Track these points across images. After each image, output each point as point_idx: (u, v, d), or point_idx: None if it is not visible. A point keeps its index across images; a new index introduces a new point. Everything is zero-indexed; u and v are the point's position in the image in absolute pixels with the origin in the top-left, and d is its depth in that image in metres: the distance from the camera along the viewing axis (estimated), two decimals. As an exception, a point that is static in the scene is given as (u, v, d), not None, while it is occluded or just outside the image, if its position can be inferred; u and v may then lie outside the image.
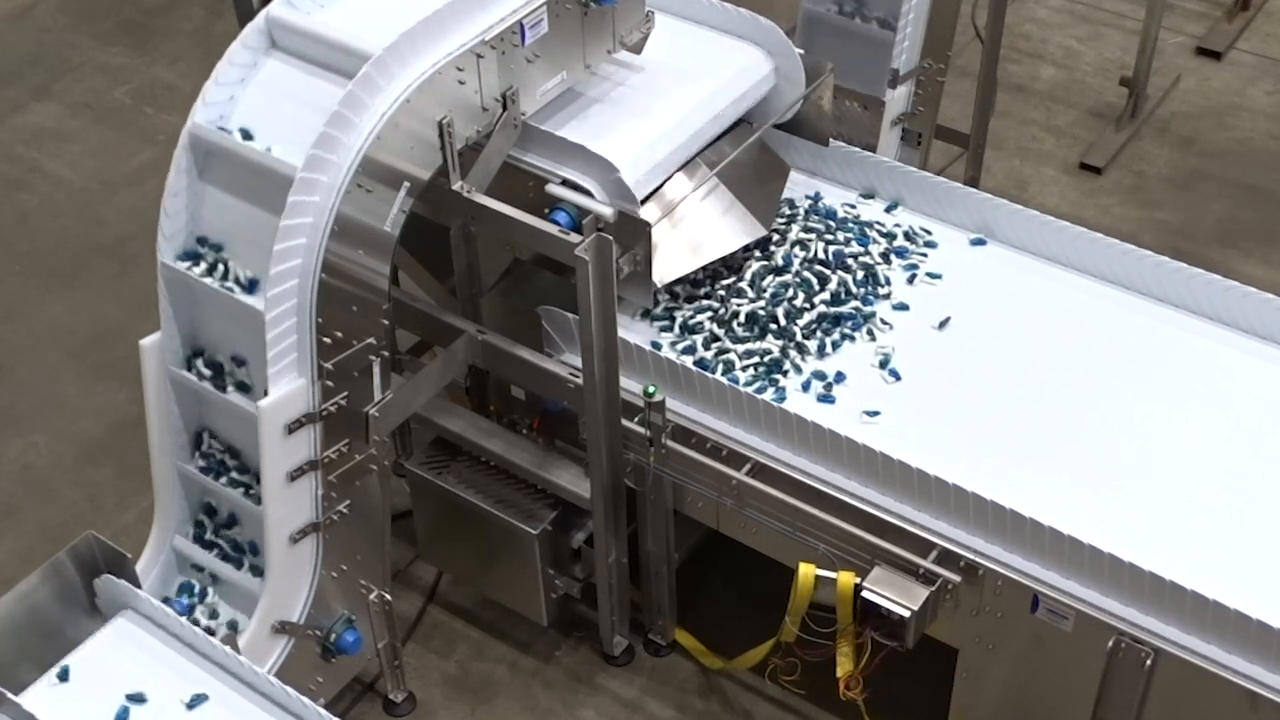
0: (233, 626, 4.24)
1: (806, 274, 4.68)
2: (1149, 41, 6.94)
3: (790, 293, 4.61)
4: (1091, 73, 7.61)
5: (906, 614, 3.97)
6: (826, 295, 4.63)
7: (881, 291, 4.71)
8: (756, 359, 4.49)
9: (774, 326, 4.54)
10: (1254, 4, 7.98)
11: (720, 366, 4.47)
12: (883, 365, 4.49)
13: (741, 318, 4.56)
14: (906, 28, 5.19)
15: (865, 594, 4.03)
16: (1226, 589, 3.74)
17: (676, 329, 4.60)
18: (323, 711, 3.61)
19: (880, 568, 4.08)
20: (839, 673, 4.16)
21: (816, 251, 4.74)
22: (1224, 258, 6.43)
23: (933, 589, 4.01)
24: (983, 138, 6.07)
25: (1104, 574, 3.85)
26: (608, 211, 4.25)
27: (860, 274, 4.72)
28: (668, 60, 4.68)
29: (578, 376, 4.33)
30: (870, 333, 4.59)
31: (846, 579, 4.08)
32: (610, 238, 4.05)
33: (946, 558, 4.04)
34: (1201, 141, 7.16)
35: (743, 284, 4.64)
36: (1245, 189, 6.88)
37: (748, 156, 4.74)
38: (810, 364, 4.49)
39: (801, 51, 4.78)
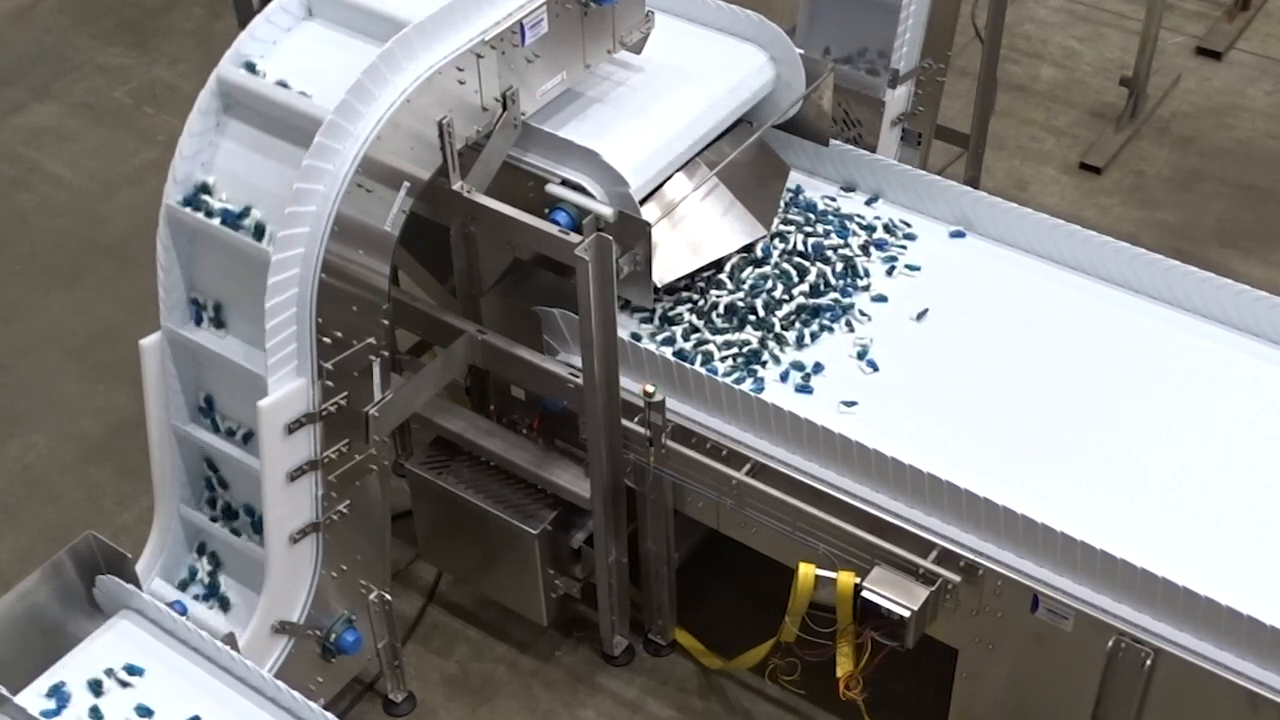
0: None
1: (786, 266, 4.68)
2: (1149, 41, 6.94)
3: (769, 284, 4.62)
4: (1091, 73, 7.61)
5: (906, 614, 3.97)
6: (805, 287, 4.64)
7: (860, 283, 4.72)
8: (735, 350, 4.50)
9: (753, 318, 4.56)
10: (1254, 4, 7.97)
11: (699, 357, 4.48)
12: (861, 356, 4.50)
13: (720, 309, 4.57)
14: (906, 33, 5.19)
15: (865, 594, 4.03)
16: (1226, 588, 3.74)
17: (656, 320, 4.61)
18: (323, 711, 3.61)
19: (880, 568, 4.08)
20: (839, 673, 4.16)
21: (796, 243, 4.75)
22: (1224, 258, 6.43)
23: (933, 589, 4.01)
24: (983, 138, 6.07)
25: (1104, 573, 3.85)
26: (608, 211, 4.24)
27: (839, 266, 4.73)
28: (668, 60, 4.68)
29: (578, 376, 4.33)
30: (849, 324, 4.61)
31: (846, 579, 4.08)
32: (610, 238, 4.05)
33: (946, 558, 4.04)
34: (1201, 141, 7.16)
35: (722, 276, 4.65)
36: (1245, 189, 6.88)
37: (748, 156, 4.74)
38: (789, 355, 4.51)
39: (801, 52, 4.78)
